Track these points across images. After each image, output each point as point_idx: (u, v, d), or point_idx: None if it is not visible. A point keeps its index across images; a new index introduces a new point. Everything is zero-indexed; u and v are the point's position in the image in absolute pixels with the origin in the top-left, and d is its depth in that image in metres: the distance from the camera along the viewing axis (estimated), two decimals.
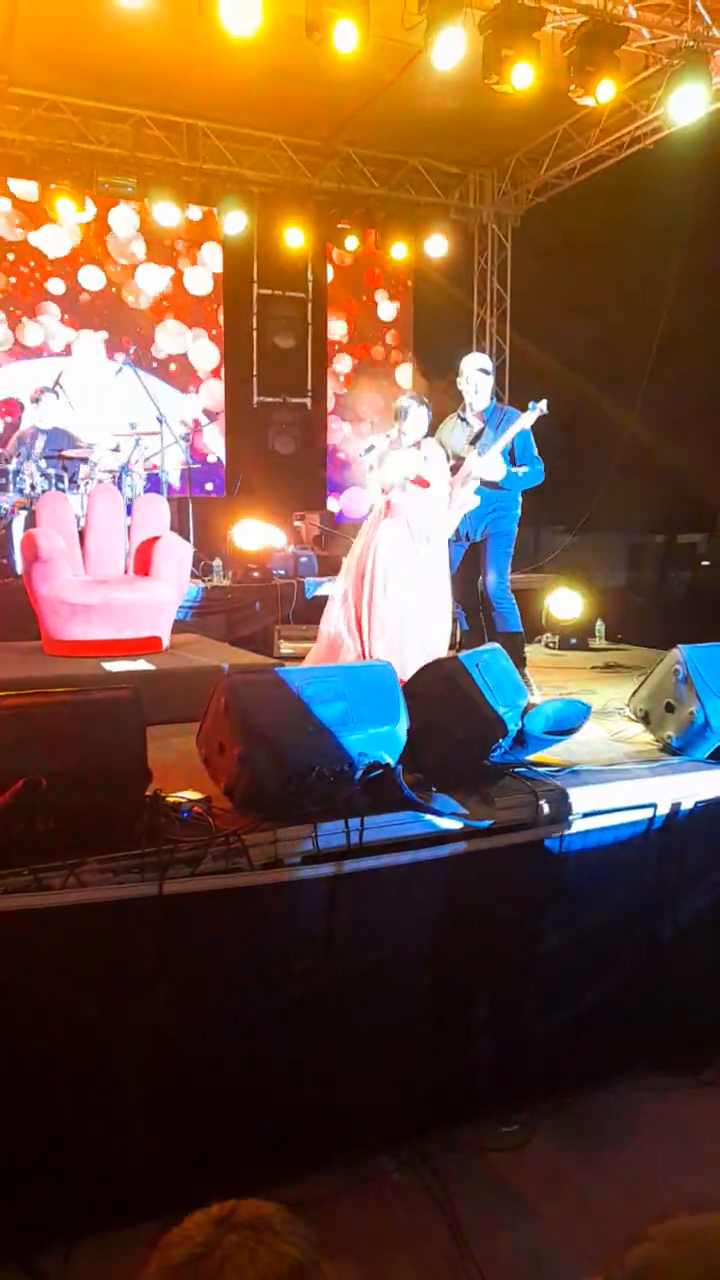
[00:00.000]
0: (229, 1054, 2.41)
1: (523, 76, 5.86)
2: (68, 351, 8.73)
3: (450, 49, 5.72)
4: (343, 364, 10.18)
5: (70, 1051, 2.22)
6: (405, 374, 10.39)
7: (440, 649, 4.38)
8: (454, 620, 4.72)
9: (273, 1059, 2.45)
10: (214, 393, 9.46)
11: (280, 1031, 2.46)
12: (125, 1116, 2.28)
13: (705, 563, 7.58)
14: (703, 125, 6.91)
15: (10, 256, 8.52)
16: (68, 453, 6.68)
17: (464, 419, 4.80)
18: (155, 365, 9.03)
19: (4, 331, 8.53)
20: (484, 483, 4.64)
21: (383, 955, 2.58)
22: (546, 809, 2.88)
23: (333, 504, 9.97)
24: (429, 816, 2.74)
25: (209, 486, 9.40)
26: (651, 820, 3.03)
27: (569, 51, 6.14)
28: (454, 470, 4.74)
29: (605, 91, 6.12)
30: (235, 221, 8.63)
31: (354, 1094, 2.54)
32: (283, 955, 2.47)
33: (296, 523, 8.68)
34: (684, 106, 6.50)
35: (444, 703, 3.10)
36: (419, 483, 4.43)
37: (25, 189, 8.41)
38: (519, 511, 4.79)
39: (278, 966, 2.47)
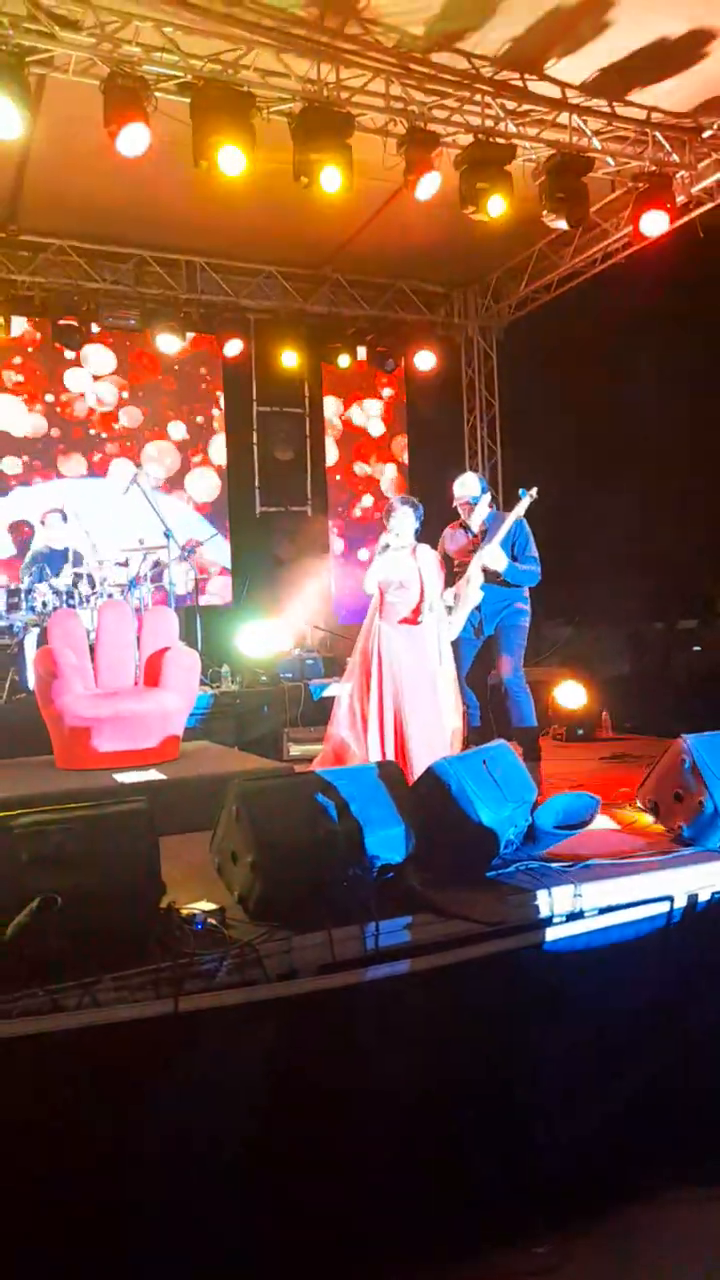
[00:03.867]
0: (246, 1176, 2.34)
1: (497, 206, 6.29)
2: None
3: (428, 184, 6.15)
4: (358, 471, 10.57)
5: (86, 1177, 2.17)
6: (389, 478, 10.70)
7: (445, 748, 4.40)
8: (465, 718, 4.76)
9: (290, 1181, 2.39)
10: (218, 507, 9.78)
11: (298, 1152, 2.40)
12: (141, 1241, 2.21)
13: (696, 648, 7.66)
14: (669, 238, 7.35)
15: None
16: (77, 569, 6.87)
17: (466, 528, 4.95)
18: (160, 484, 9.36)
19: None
20: (488, 578, 4.74)
21: (403, 1067, 2.54)
22: (560, 906, 2.87)
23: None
24: (444, 919, 2.73)
25: (215, 596, 9.61)
26: (670, 914, 3.01)
27: (539, 181, 6.59)
28: (457, 575, 4.86)
29: (576, 215, 6.54)
30: (234, 347, 9.15)
31: (376, 1221, 2.46)
32: (299, 1070, 2.43)
33: (301, 626, 8.82)
34: (651, 224, 6.93)
35: (441, 810, 3.12)
36: (408, 621, 4.52)
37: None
38: (529, 606, 4.88)
39: (294, 1082, 2.42)
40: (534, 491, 4.74)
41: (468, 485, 4.96)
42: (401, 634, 4.53)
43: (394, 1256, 2.41)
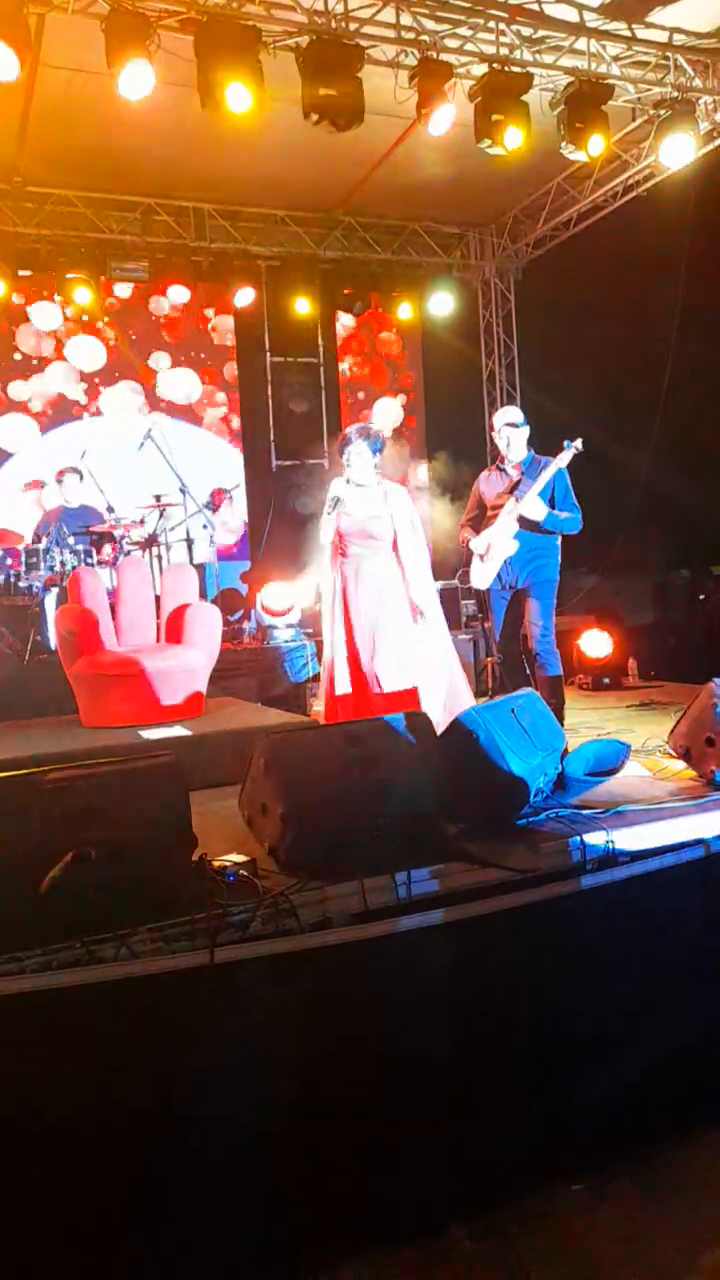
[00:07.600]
0: (283, 1124, 2.36)
1: (514, 138, 6.05)
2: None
3: (442, 117, 5.93)
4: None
5: (125, 1128, 2.19)
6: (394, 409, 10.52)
7: (446, 694, 4.35)
8: (493, 664, 4.70)
9: (335, 1130, 2.40)
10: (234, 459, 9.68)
11: (335, 1099, 2.41)
12: (180, 1195, 2.24)
13: (700, 597, 7.56)
14: (693, 168, 7.09)
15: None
16: (95, 528, 6.84)
17: (502, 469, 4.82)
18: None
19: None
20: (523, 526, 4.62)
21: (439, 1014, 2.54)
22: (593, 853, 2.85)
23: None
24: (476, 867, 2.72)
25: (234, 551, 9.55)
26: (705, 858, 2.98)
27: (558, 111, 6.34)
28: (490, 520, 4.76)
29: (596, 146, 6.29)
30: (244, 295, 8.96)
31: (420, 1164, 2.48)
32: (336, 1019, 2.44)
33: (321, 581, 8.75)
34: (674, 153, 6.67)
35: (471, 759, 3.08)
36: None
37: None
38: (559, 559, 4.75)
39: (330, 1031, 2.43)
40: (578, 443, 4.55)
41: (510, 413, 4.81)
42: (359, 573, 4.37)
43: (432, 1202, 2.44)
